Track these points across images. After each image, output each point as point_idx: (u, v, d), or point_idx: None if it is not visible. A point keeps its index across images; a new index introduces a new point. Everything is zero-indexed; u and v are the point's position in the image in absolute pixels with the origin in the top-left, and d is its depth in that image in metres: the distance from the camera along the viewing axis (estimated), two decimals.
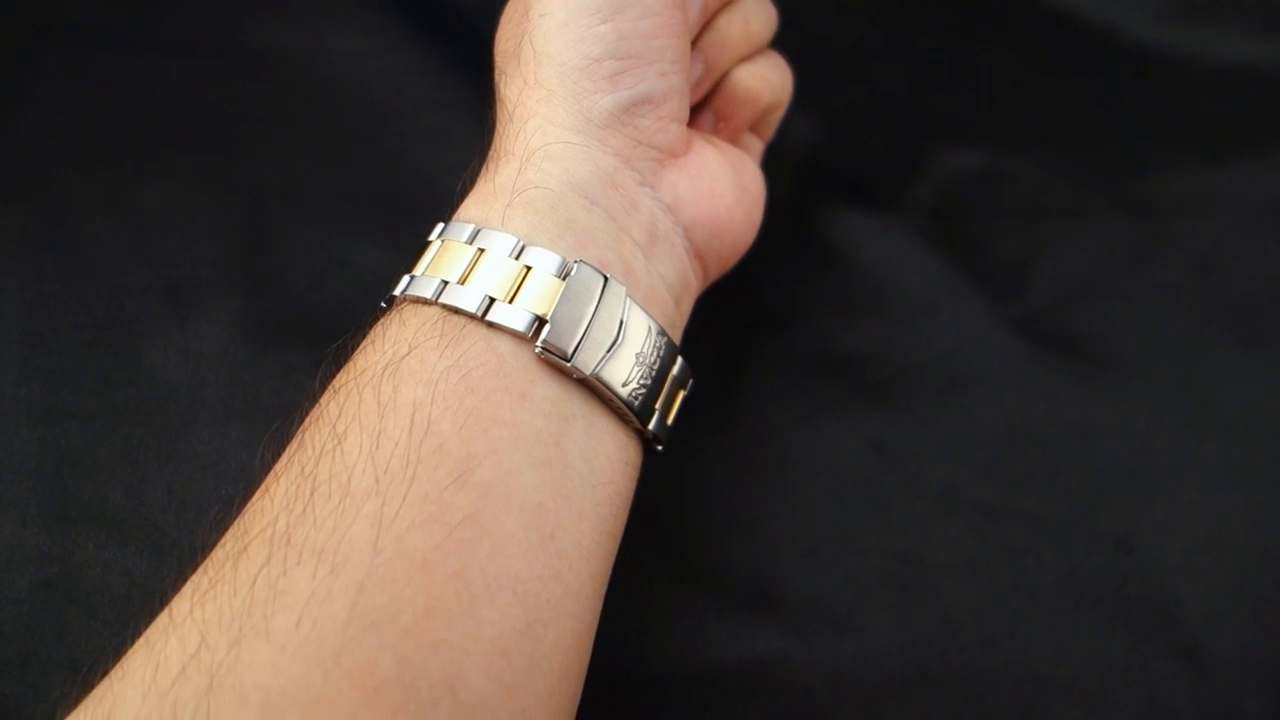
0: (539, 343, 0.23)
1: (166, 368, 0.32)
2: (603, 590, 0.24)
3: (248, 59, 0.39)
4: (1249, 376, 0.34)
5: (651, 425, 0.25)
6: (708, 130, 0.31)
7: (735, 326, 0.35)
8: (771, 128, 0.34)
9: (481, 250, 0.24)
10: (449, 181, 0.38)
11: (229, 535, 0.21)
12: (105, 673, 0.20)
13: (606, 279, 0.24)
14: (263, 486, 0.22)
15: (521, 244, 0.24)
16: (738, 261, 0.31)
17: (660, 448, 0.26)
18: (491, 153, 0.27)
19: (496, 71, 0.28)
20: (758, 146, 0.33)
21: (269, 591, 0.19)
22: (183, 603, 0.20)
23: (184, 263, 0.34)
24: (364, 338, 0.24)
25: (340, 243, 0.35)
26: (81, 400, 0.31)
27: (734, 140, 0.31)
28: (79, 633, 0.27)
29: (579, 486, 0.23)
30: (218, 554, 0.21)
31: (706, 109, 0.31)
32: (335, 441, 0.21)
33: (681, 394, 0.26)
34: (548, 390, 0.23)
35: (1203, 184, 0.39)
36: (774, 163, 0.34)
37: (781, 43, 0.32)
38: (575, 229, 0.25)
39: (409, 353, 0.22)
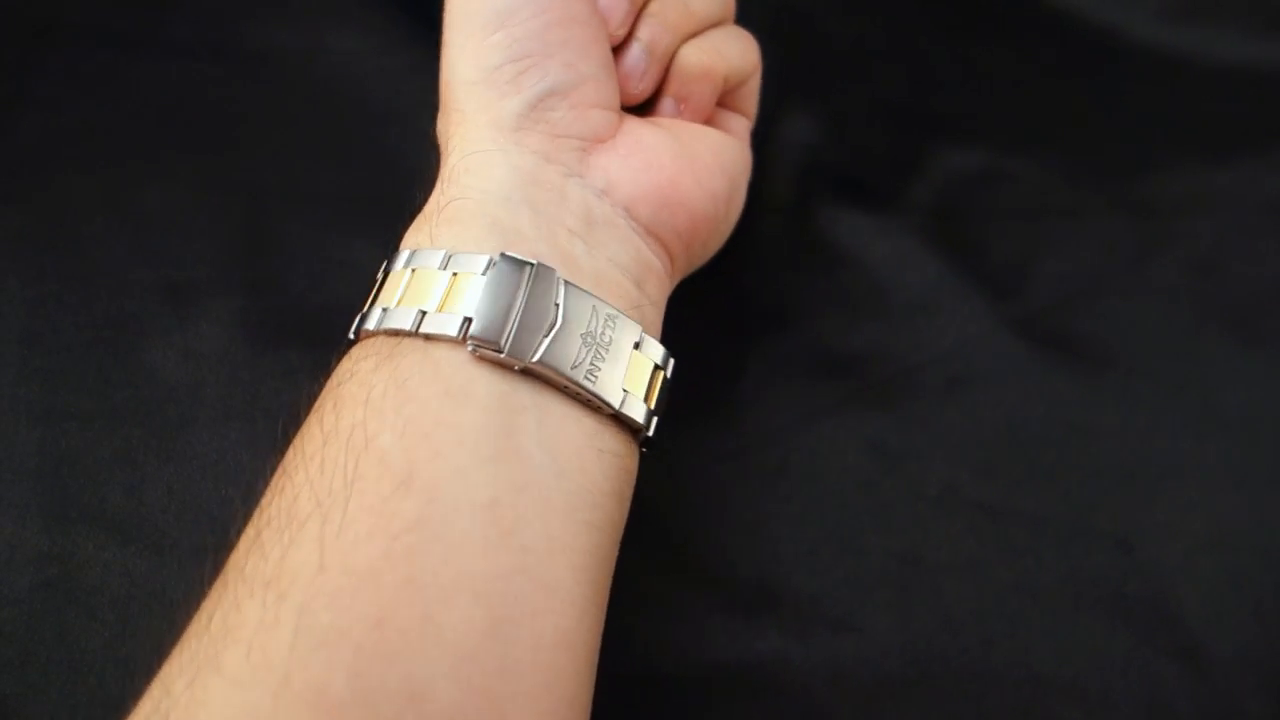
0: (468, 339, 0.22)
1: (166, 368, 0.32)
2: (597, 583, 0.23)
3: (248, 59, 0.39)
4: (1249, 376, 0.34)
5: (622, 407, 0.24)
6: (669, 114, 0.30)
7: (735, 326, 0.35)
8: (749, 101, 0.33)
9: (413, 270, 0.24)
10: None
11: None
12: None
13: (532, 265, 0.23)
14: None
15: (448, 254, 0.24)
16: (722, 240, 0.30)
17: (647, 434, 0.25)
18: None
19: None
20: (742, 124, 0.33)
21: (222, 628, 0.19)
22: (165, 662, 0.20)
23: (184, 263, 0.34)
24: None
25: (340, 243, 0.35)
26: (81, 400, 0.31)
27: (705, 120, 0.31)
28: (79, 633, 0.27)
29: (540, 477, 0.22)
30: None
31: (665, 95, 0.31)
32: (285, 479, 0.21)
33: (661, 377, 0.26)
34: (489, 386, 0.22)
35: (1203, 184, 0.39)
36: (774, 163, 0.34)
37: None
38: (500, 230, 0.24)
39: (350, 379, 0.23)
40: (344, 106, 0.39)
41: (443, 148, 0.27)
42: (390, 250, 0.26)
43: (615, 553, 0.24)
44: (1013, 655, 0.28)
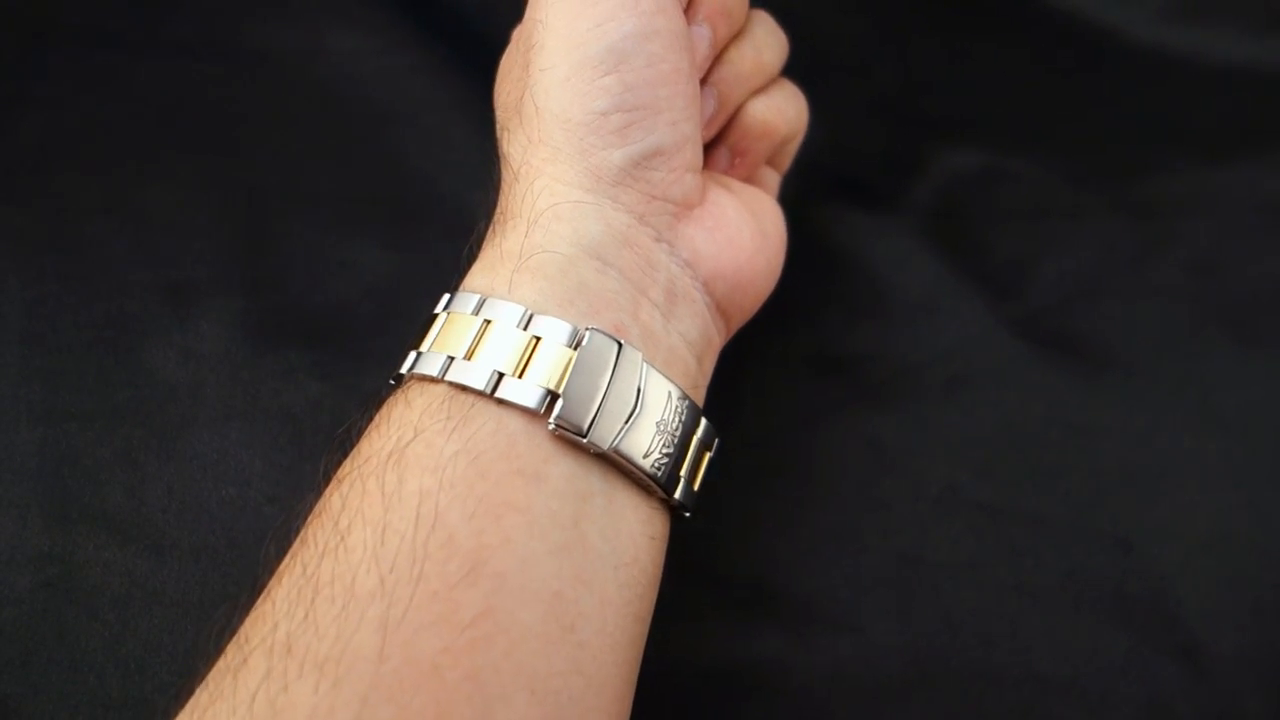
0: (552, 419, 0.21)
1: (166, 368, 0.32)
2: (632, 680, 0.22)
3: (248, 59, 0.39)
4: (1249, 376, 0.34)
5: (678, 494, 0.24)
6: (723, 167, 0.30)
7: None
8: (788, 159, 0.33)
9: (488, 321, 0.23)
10: (449, 181, 0.38)
11: (230, 645, 0.20)
12: None
13: (621, 346, 0.23)
14: (265, 589, 0.21)
15: (529, 313, 0.23)
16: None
17: (687, 514, 0.25)
18: (498, 214, 0.26)
19: (498, 127, 0.27)
20: (774, 179, 0.32)
21: (269, 710, 0.18)
22: None
23: (184, 263, 0.34)
24: (370, 420, 0.23)
25: (340, 243, 0.35)
26: (81, 400, 0.31)
27: (750, 176, 0.30)
28: (79, 633, 0.27)
29: (600, 569, 0.21)
30: (219, 665, 0.20)
31: (721, 145, 0.30)
32: (338, 538, 0.20)
33: (707, 456, 0.25)
34: (563, 469, 0.22)
35: (1203, 184, 0.39)
36: None
37: None
38: (588, 294, 0.23)
39: (415, 437, 0.21)
40: (344, 106, 0.39)
41: (515, 170, 0.25)
42: (454, 278, 0.25)
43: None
44: (1013, 655, 0.28)
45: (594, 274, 0.24)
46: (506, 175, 0.26)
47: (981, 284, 0.36)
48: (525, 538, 0.20)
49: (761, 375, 0.34)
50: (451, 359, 0.22)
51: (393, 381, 0.24)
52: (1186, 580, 0.30)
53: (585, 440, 0.22)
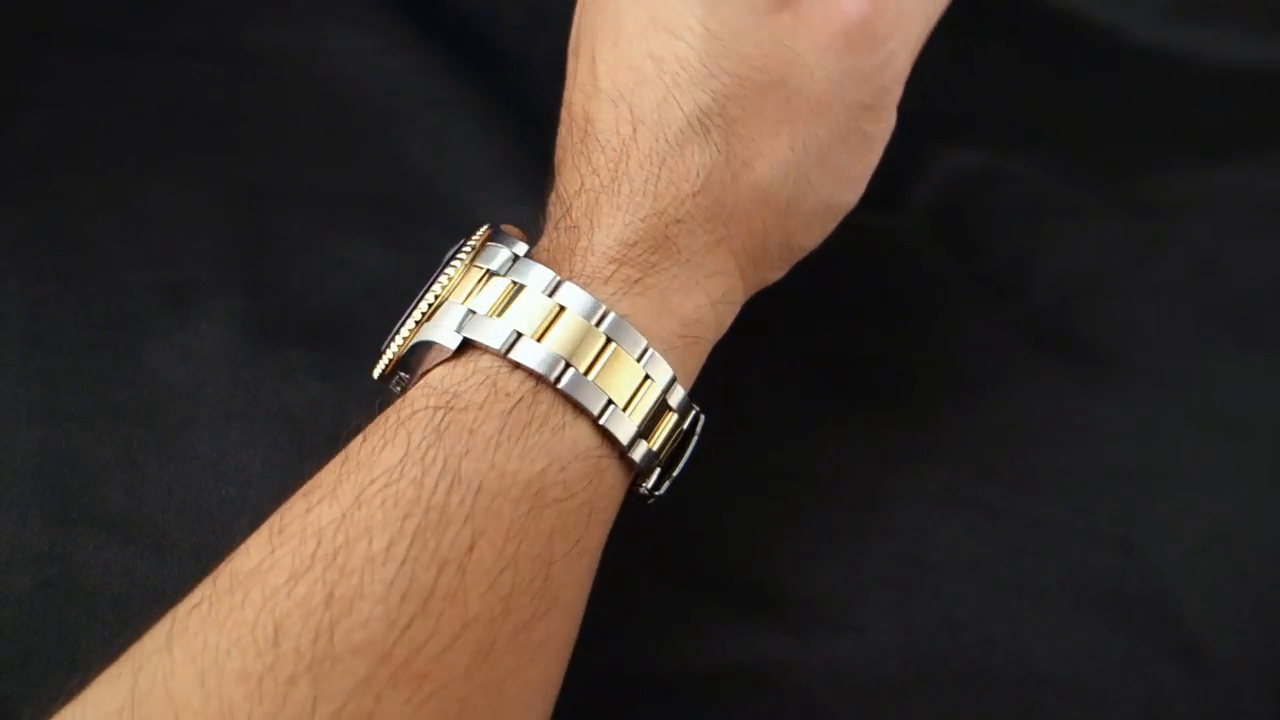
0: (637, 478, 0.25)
1: (166, 368, 0.32)
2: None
3: (248, 59, 0.39)
4: (1249, 376, 0.34)
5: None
6: None
7: (735, 327, 0.35)
8: None
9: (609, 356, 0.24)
10: (449, 181, 0.38)
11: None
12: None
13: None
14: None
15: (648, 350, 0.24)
16: None
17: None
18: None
19: (699, 222, 0.25)
20: None
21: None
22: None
23: (184, 263, 0.34)
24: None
25: (340, 243, 0.35)
26: (81, 400, 0.31)
27: None
28: (79, 633, 0.27)
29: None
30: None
31: None
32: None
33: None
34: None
35: (1203, 184, 0.39)
36: None
37: None
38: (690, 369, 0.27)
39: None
40: (344, 106, 0.39)
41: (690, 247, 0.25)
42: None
43: None
44: (1013, 655, 0.28)
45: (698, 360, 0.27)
46: (683, 242, 0.26)
47: (981, 284, 0.36)
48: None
49: (761, 376, 0.34)
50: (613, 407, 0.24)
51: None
52: (1186, 580, 0.30)
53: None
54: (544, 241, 0.26)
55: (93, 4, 0.40)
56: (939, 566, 0.30)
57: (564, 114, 0.27)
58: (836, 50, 0.26)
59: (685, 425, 0.25)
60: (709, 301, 0.26)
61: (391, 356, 0.24)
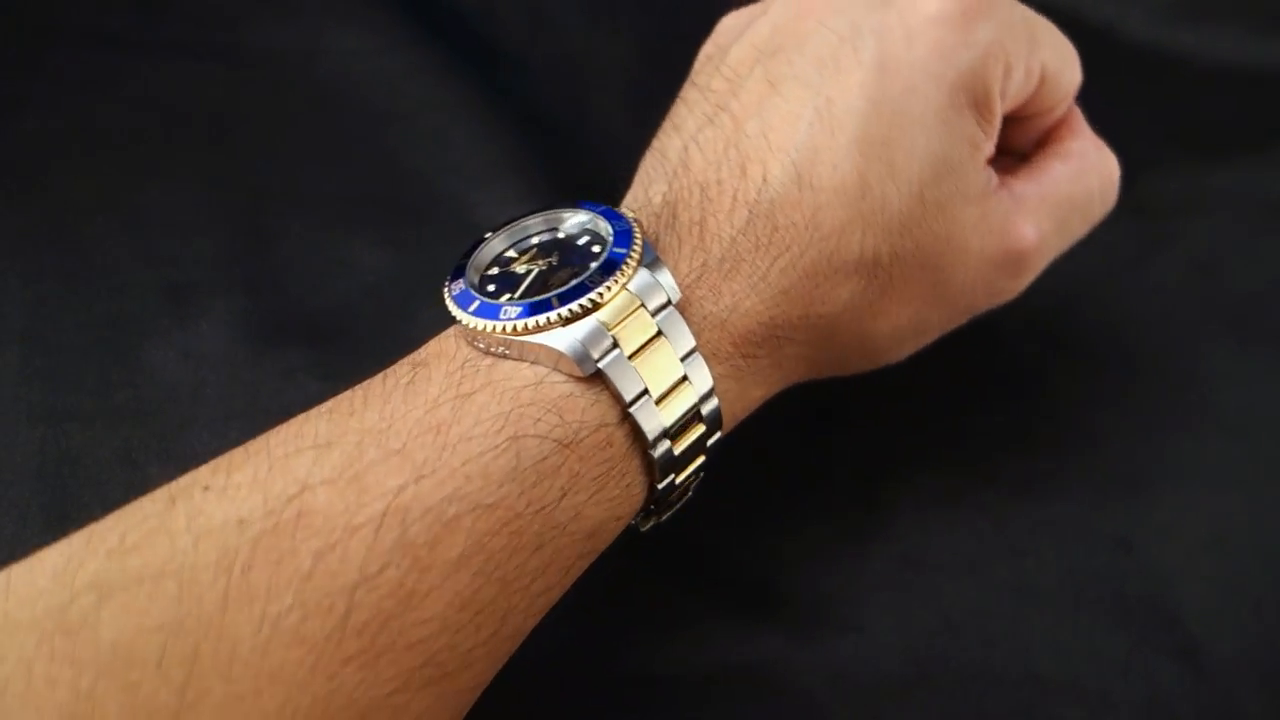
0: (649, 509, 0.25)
1: (166, 368, 0.32)
2: None
3: (248, 59, 0.39)
4: (1249, 376, 0.34)
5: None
6: None
7: None
8: None
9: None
10: (449, 181, 0.38)
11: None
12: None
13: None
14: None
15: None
16: None
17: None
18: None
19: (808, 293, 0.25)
20: None
21: None
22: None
23: (184, 263, 0.34)
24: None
25: (340, 243, 0.35)
26: (81, 400, 0.31)
27: None
28: None
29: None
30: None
31: None
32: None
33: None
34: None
35: (1203, 184, 0.39)
36: None
37: None
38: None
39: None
40: (344, 106, 0.39)
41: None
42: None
43: None
44: (1013, 655, 0.28)
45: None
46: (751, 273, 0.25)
47: None
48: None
49: None
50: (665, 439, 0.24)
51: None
52: (1186, 580, 0.30)
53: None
54: (672, 271, 0.24)
55: (93, 4, 0.40)
56: (939, 567, 0.30)
57: (728, 150, 0.26)
58: (994, 264, 0.27)
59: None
60: (766, 391, 0.27)
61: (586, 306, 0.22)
